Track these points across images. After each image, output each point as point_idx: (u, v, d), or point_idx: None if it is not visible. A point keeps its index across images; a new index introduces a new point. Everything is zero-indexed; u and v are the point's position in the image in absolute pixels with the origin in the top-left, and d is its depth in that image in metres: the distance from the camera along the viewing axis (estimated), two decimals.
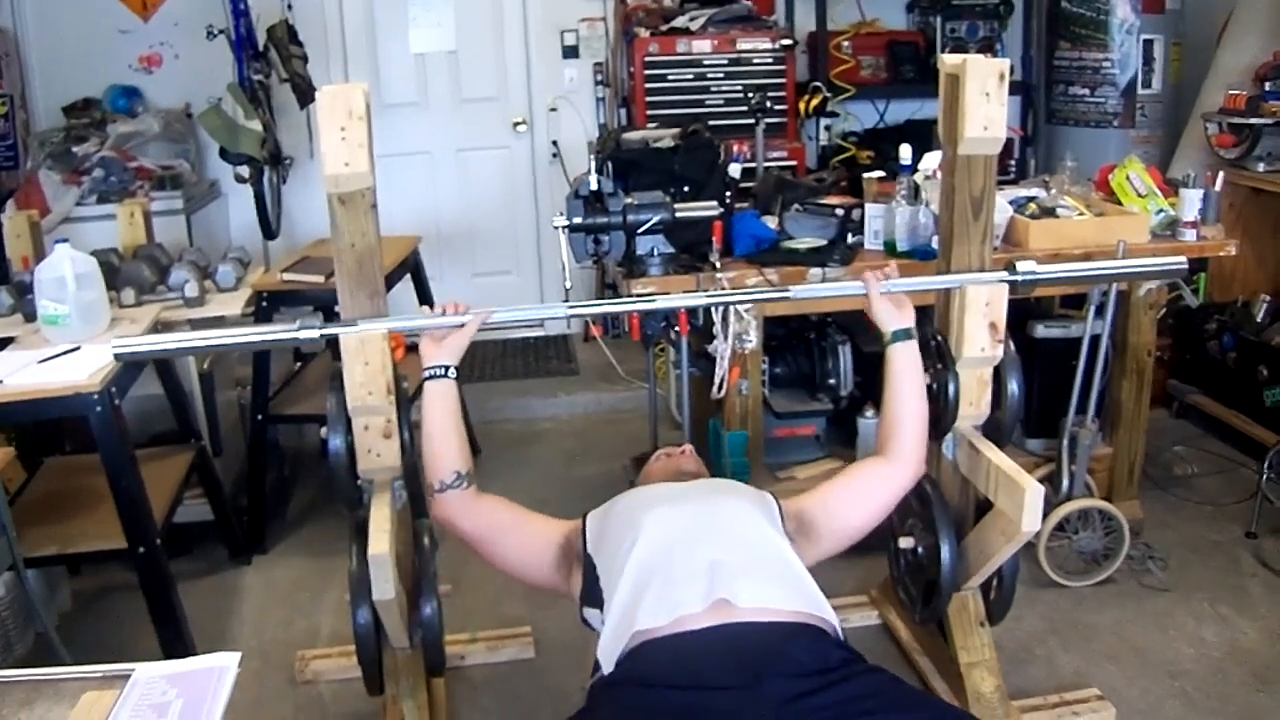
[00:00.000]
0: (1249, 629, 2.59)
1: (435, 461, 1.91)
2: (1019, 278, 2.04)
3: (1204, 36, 4.23)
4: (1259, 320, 3.49)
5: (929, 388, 2.17)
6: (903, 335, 2.02)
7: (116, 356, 1.90)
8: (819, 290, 2.27)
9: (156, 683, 1.14)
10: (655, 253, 2.27)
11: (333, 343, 1.92)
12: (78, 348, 2.37)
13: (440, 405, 1.91)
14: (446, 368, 1.92)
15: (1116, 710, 2.27)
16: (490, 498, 1.95)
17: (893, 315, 2.01)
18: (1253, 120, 3.48)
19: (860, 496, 1.94)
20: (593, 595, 1.75)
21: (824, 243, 2.66)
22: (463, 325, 1.93)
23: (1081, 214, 2.76)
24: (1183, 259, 2.15)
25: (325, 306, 2.75)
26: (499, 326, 5.13)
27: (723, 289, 2.48)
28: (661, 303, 2.16)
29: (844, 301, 2.66)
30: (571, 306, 2.09)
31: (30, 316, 2.57)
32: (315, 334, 1.89)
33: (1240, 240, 2.93)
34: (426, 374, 1.92)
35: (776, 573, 1.63)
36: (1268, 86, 3.47)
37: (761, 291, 2.30)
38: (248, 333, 2.08)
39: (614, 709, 1.49)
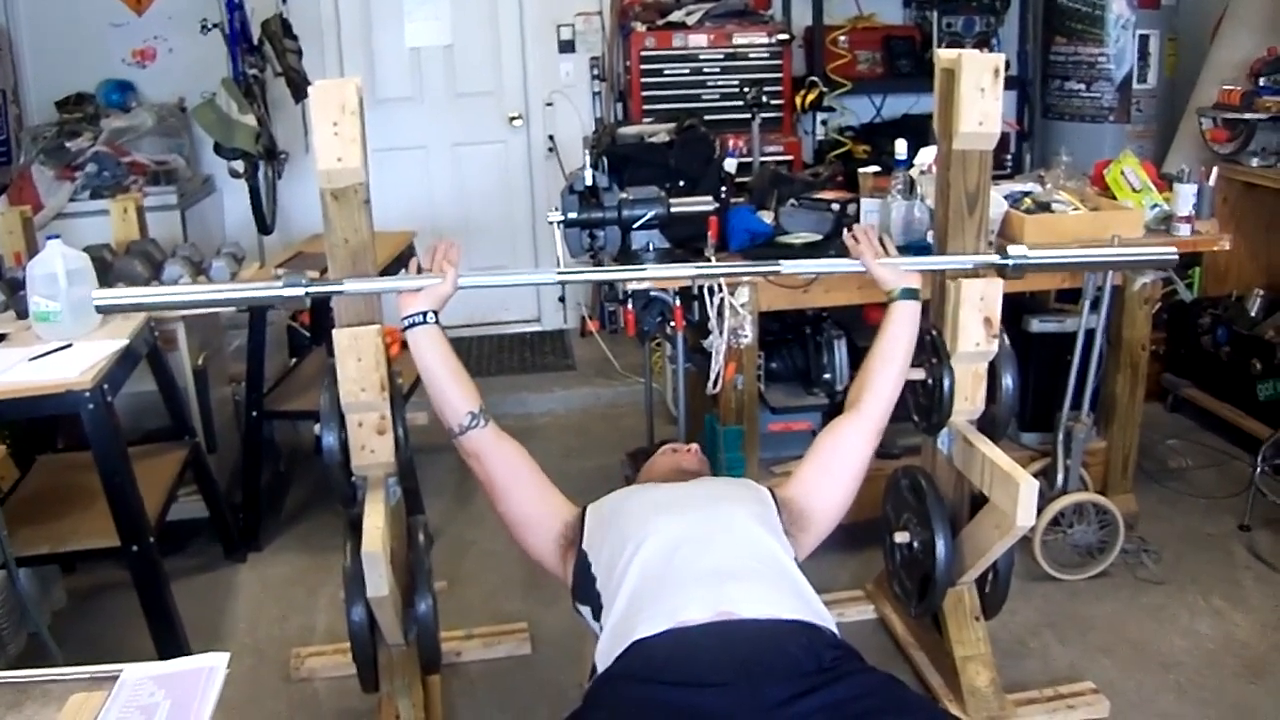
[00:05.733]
0: (1242, 621, 2.59)
1: (446, 408, 1.89)
2: (1010, 261, 2.04)
3: (1199, 32, 4.23)
4: (1252, 314, 3.51)
5: (924, 383, 2.17)
6: (909, 294, 2.03)
7: (98, 308, 1.91)
8: (808, 266, 2.33)
9: (145, 684, 1.14)
10: (650, 248, 2.27)
11: (327, 338, 1.91)
12: (70, 345, 2.36)
13: (431, 350, 1.88)
14: (425, 314, 1.88)
15: (1111, 703, 2.27)
16: (513, 442, 1.93)
17: (898, 275, 2.04)
18: (1247, 115, 3.48)
19: (836, 469, 1.92)
20: (585, 592, 1.74)
21: (819, 237, 2.66)
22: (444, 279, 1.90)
23: (1076, 209, 2.76)
24: (1173, 248, 2.17)
25: None
26: (496, 322, 5.05)
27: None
28: (652, 272, 2.22)
29: (840, 296, 2.67)
30: (562, 272, 2.09)
31: (22, 313, 2.56)
32: (300, 291, 1.86)
33: (1234, 235, 2.94)
34: (405, 323, 1.88)
35: (776, 582, 1.62)
36: (1262, 82, 3.47)
37: (751, 266, 2.39)
38: (231, 289, 2.03)
39: (609, 706, 1.48)
